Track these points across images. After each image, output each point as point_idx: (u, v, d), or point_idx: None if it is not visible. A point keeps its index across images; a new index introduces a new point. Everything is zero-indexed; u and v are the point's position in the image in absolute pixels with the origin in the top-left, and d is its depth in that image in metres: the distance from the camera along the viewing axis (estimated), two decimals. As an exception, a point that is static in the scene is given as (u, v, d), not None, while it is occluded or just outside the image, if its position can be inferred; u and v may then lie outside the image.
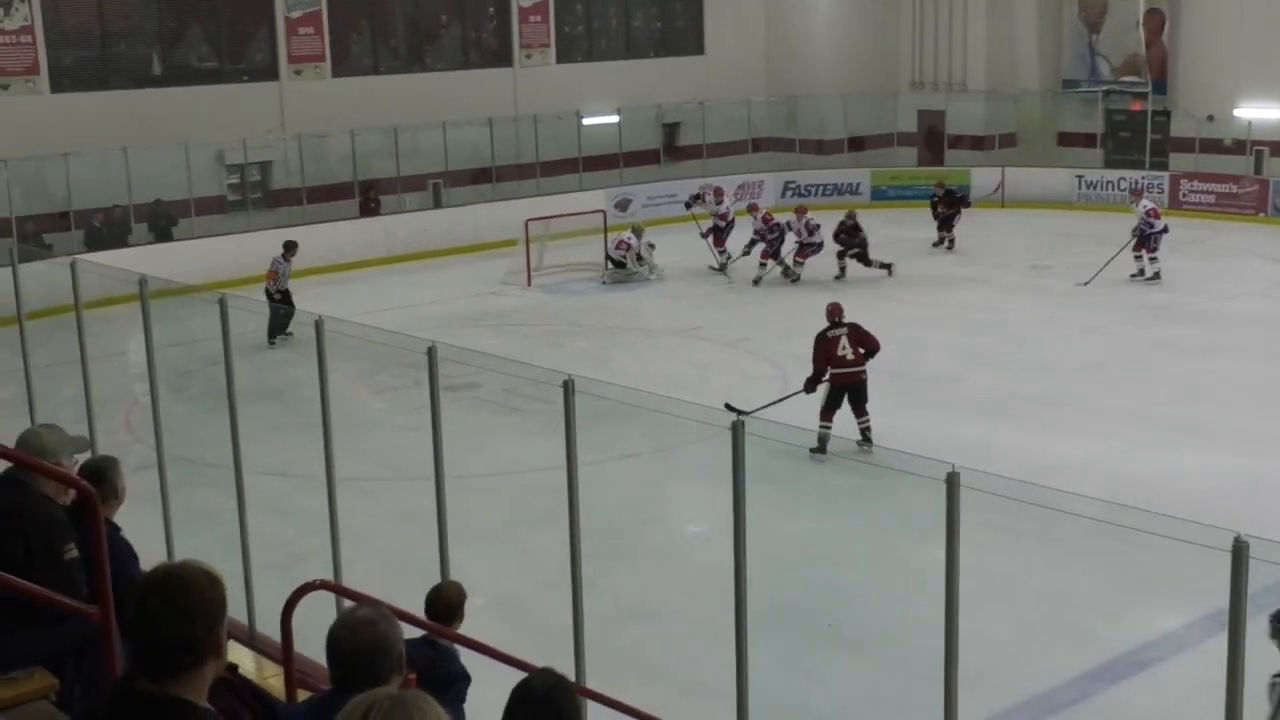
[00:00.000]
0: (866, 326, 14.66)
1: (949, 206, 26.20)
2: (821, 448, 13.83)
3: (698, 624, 9.97)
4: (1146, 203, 23.00)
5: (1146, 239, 22.46)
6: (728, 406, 12.99)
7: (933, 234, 26.17)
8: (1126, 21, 31.42)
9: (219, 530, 9.94)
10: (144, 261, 17.58)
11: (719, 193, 26.07)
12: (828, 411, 14.10)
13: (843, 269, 23.54)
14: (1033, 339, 19.25)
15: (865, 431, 14.08)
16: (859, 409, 14.16)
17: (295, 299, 19.85)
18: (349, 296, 21.58)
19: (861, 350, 14.25)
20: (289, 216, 26.32)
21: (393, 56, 29.74)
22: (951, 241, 26.04)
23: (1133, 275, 22.43)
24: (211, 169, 26.03)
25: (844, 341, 14.16)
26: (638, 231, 24.13)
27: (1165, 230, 22.47)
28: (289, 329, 19.54)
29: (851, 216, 23.85)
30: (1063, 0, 32.66)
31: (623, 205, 28.82)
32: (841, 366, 14.08)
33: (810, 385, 14.28)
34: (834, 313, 14.54)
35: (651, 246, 24.14)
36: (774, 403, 14.42)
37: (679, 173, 31.37)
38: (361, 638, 3.70)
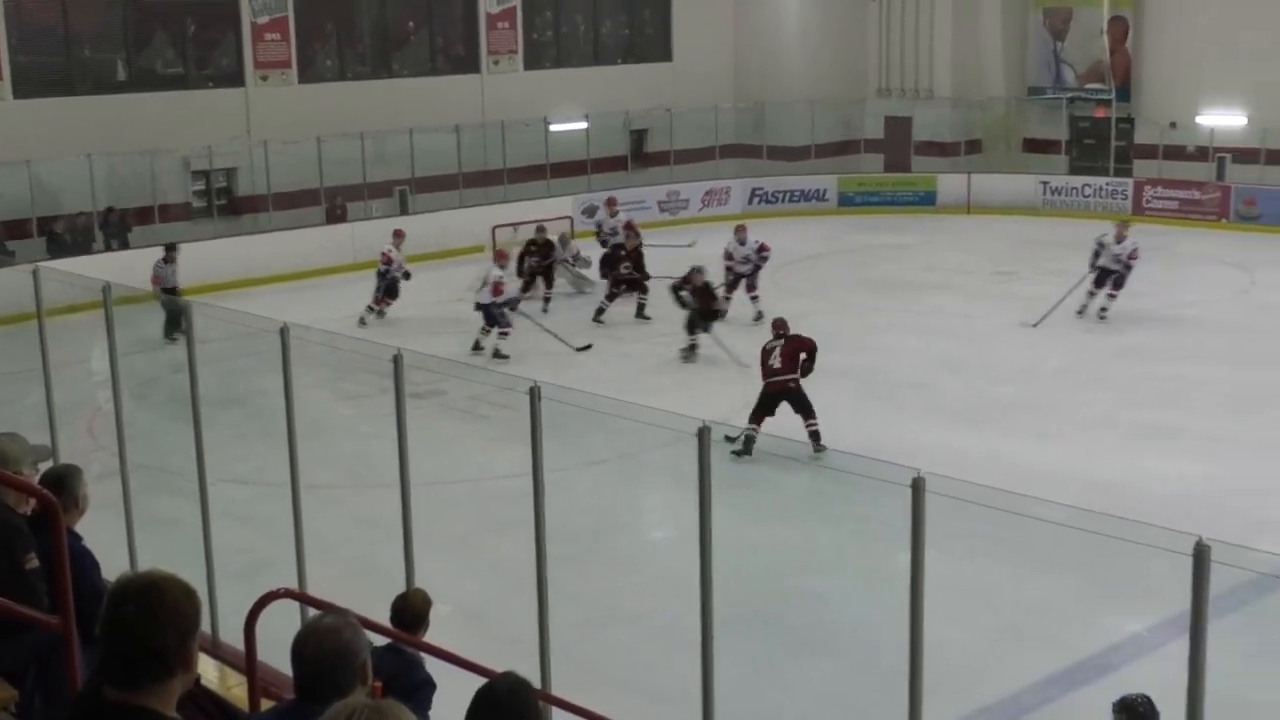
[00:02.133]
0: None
1: (544, 258, 22.56)
2: (746, 449, 14.17)
3: (664, 630, 9.97)
4: (755, 240, 21.25)
5: (752, 276, 21.14)
6: (727, 439, 13.49)
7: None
8: (1091, 29, 31.66)
9: (182, 538, 9.86)
10: (108, 268, 17.46)
11: (611, 203, 24.67)
12: (755, 416, 14.54)
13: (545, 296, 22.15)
14: (1000, 345, 19.34)
15: (813, 436, 14.31)
16: (803, 413, 14.47)
17: (262, 306, 19.72)
18: (315, 303, 21.49)
19: (803, 356, 14.70)
20: (255, 223, 26.24)
21: (360, 63, 29.67)
22: (546, 300, 22.15)
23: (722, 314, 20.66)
24: (177, 176, 25.91)
25: (776, 353, 14.75)
26: (563, 241, 23.50)
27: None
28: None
29: (542, 231, 22.96)
30: (1028, 8, 32.89)
31: (590, 212, 28.78)
32: (771, 376, 14.65)
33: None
34: (777, 327, 15.27)
35: (584, 261, 23.60)
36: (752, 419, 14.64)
37: (647, 179, 31.40)
38: (326, 646, 3.68)
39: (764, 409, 14.55)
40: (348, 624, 3.77)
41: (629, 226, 22.84)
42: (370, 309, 21.50)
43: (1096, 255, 20.52)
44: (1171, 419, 15.60)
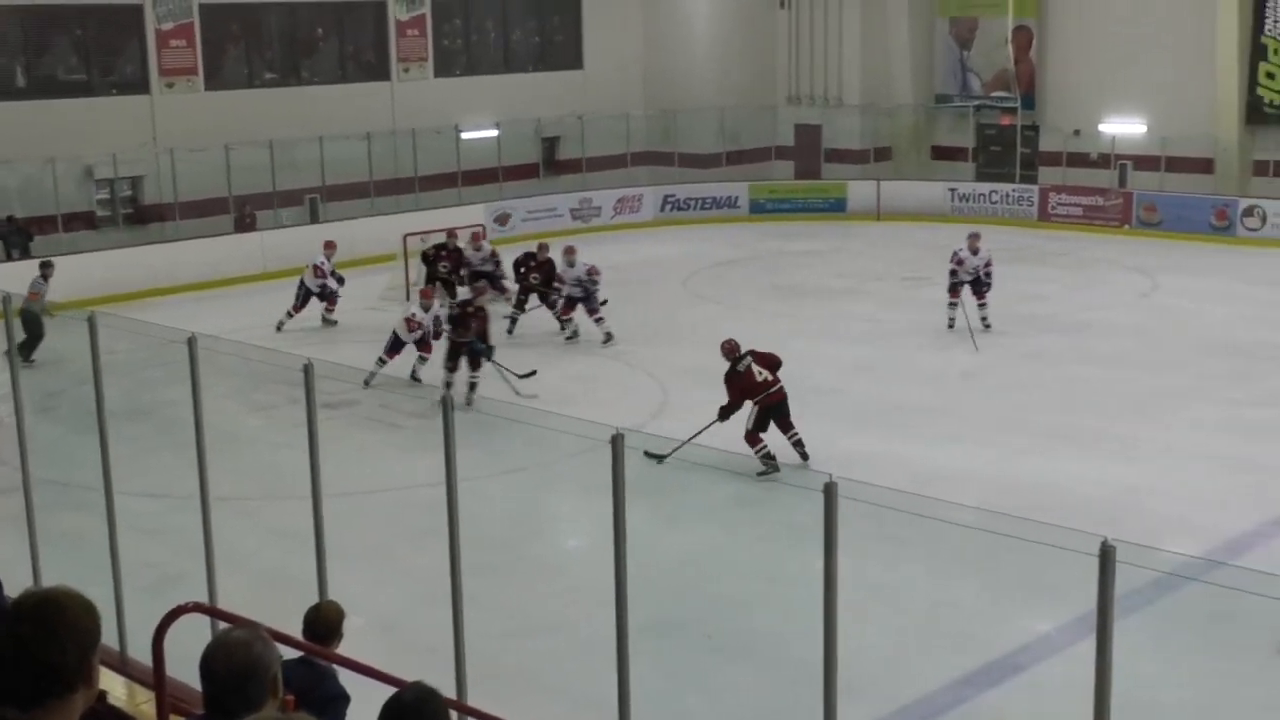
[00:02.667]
0: (742, 341, 14.76)
1: (455, 267, 22.08)
2: (774, 466, 13.91)
3: (581, 638, 9.95)
4: (584, 263, 20.27)
5: (589, 299, 20.23)
6: (647, 454, 12.91)
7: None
8: (996, 38, 32.15)
9: (89, 553, 9.68)
10: (8, 279, 17.14)
11: (476, 238, 23.11)
12: (755, 434, 14.13)
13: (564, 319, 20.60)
14: (911, 350, 19.54)
15: (798, 445, 14.21)
16: (785, 426, 14.26)
17: (170, 316, 19.34)
18: (224, 313, 21.22)
19: (773, 370, 14.38)
20: (161, 232, 25.86)
21: (268, 69, 29.35)
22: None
23: (569, 337, 20.40)
24: (80, 184, 25.47)
25: (756, 369, 14.29)
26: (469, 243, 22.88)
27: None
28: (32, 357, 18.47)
29: (453, 236, 22.35)
30: (935, 16, 33.31)
31: (502, 220, 28.73)
32: (766, 389, 14.20)
33: (726, 414, 14.26)
34: (732, 350, 14.54)
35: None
36: (690, 439, 13.76)
37: (558, 187, 31.40)
38: (235, 660, 3.62)
39: (761, 425, 14.18)
40: (258, 637, 3.71)
41: (494, 255, 22.20)
42: (324, 319, 21.45)
43: (954, 273, 20.34)
44: (1078, 422, 15.85)
